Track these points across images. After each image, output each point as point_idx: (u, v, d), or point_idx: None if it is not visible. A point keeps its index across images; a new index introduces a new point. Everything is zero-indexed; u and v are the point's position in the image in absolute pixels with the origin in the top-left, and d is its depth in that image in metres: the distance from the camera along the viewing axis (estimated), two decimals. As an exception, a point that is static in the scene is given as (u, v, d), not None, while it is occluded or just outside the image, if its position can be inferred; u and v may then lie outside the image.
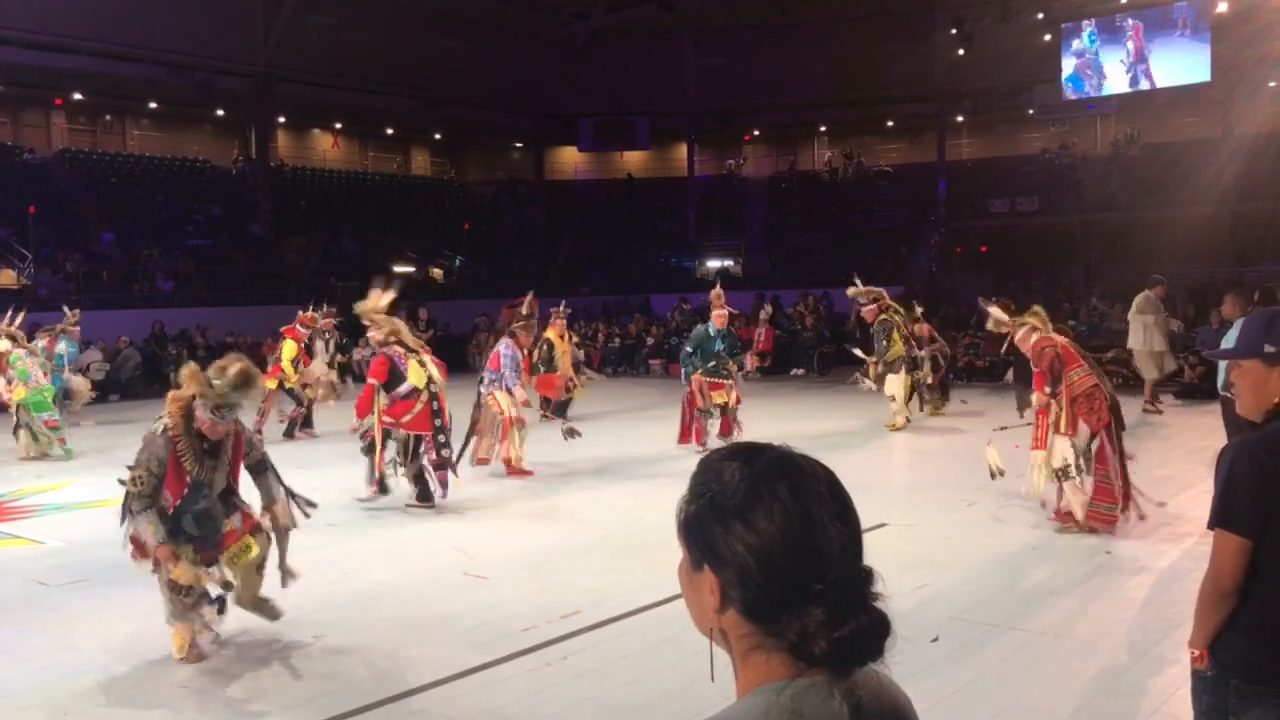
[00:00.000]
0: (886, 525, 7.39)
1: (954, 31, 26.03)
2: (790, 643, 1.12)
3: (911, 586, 5.86)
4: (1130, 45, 26.06)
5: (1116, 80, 26.39)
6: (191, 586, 5.01)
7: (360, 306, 8.72)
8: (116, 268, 22.66)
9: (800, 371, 20.44)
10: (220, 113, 28.93)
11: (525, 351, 10.39)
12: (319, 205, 28.68)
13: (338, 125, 32.43)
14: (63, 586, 6.54)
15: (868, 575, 1.16)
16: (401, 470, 8.52)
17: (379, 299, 8.64)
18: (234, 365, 5.11)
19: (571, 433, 10.30)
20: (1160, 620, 5.29)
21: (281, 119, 29.95)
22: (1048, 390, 7.13)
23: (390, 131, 33.20)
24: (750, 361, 12.22)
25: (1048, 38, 26.91)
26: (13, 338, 12.30)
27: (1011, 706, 4.38)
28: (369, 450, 8.52)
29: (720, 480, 1.18)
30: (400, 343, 8.40)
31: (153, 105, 28.01)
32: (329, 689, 4.73)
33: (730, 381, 10.87)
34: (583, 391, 13.37)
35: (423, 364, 8.30)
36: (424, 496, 8.42)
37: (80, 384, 13.66)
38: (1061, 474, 7.04)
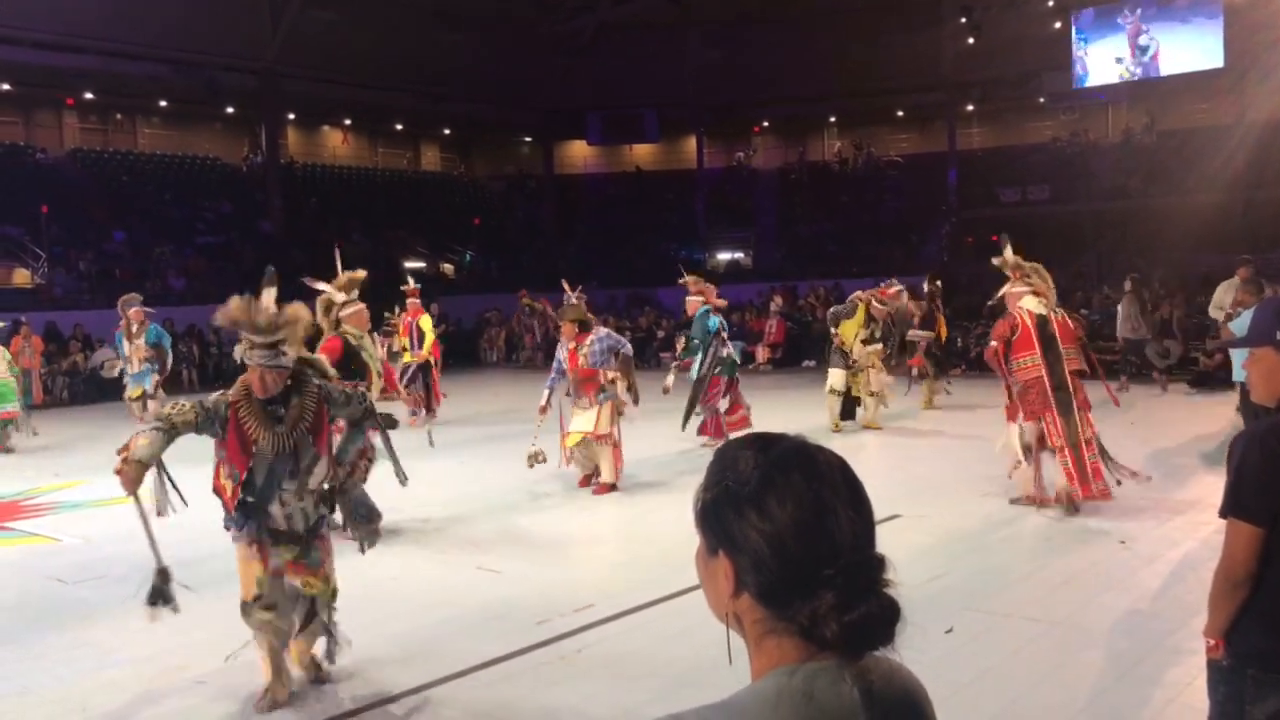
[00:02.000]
0: (899, 516, 7.38)
1: (963, 20, 25.90)
2: (801, 627, 1.14)
3: (925, 577, 5.86)
4: (1138, 31, 25.91)
5: (1126, 67, 26.25)
6: (259, 595, 4.48)
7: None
8: (128, 266, 22.76)
9: (812, 363, 20.40)
10: (230, 111, 28.99)
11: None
12: (329, 202, 28.72)
13: (347, 122, 32.45)
14: (80, 584, 6.58)
15: (879, 562, 1.18)
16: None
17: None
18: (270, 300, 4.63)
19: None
20: (1176, 610, 5.28)
21: (291, 116, 30.00)
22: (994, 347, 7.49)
23: (399, 127, 33.24)
24: (762, 354, 11.96)
25: (1057, 25, 26.75)
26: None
27: (1026, 696, 4.38)
28: None
29: (735, 468, 1.21)
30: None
31: (162, 104, 28.09)
32: (346, 683, 4.75)
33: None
34: None
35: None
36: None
37: None
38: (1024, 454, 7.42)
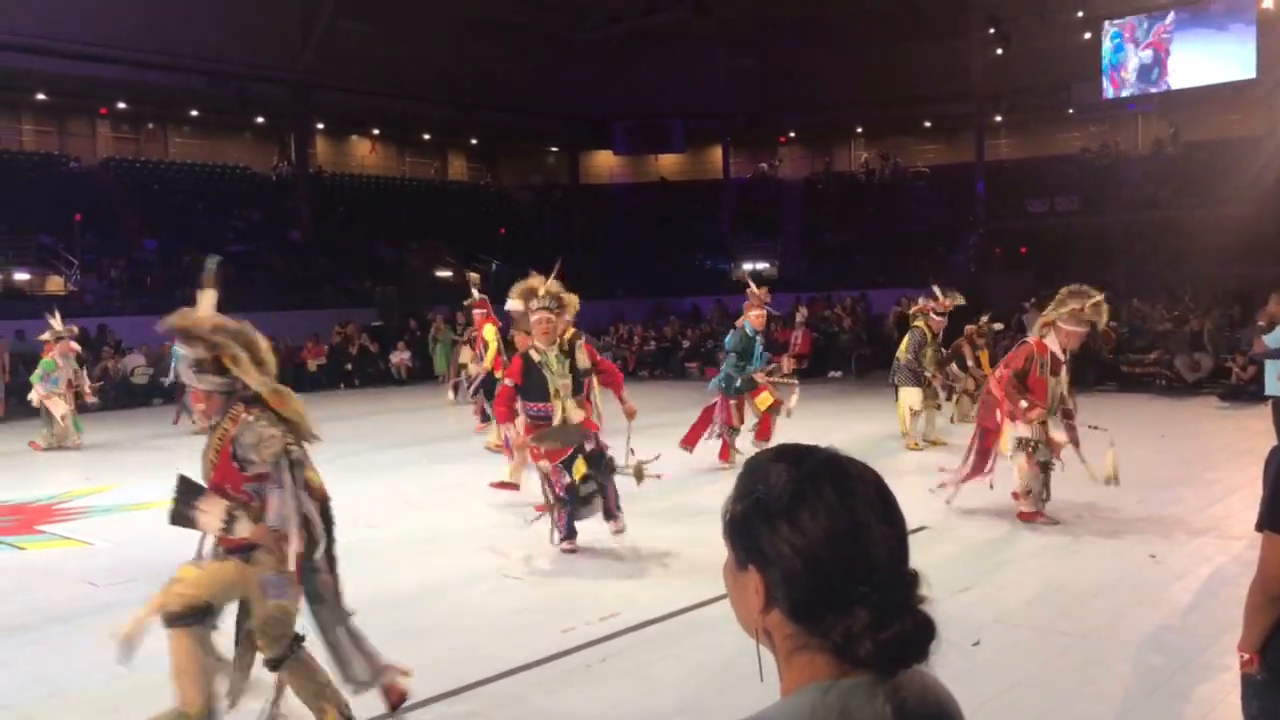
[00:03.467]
0: (927, 528, 7.34)
1: (991, 30, 25.80)
2: (835, 644, 1.13)
3: (953, 589, 5.82)
4: (1169, 41, 25.72)
5: (1157, 77, 26.06)
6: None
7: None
8: (158, 274, 23.03)
9: (838, 374, 20.34)
10: (259, 120, 29.31)
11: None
12: (357, 211, 28.93)
13: (375, 131, 32.71)
14: (111, 587, 6.64)
15: (913, 578, 1.17)
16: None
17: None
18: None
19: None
20: (1208, 625, 5.21)
21: (320, 126, 30.28)
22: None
23: (427, 137, 33.47)
24: (786, 364, 11.72)
25: (1087, 36, 26.59)
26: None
27: (1057, 710, 4.34)
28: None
29: (767, 481, 1.19)
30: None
31: (194, 114, 28.42)
32: (370, 690, 4.77)
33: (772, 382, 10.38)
34: None
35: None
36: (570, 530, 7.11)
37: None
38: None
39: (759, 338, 10.45)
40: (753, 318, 10.35)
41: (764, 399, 10.29)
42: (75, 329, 14.09)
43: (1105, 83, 26.53)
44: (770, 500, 1.17)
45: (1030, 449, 7.43)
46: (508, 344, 11.33)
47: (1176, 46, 25.62)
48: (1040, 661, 4.88)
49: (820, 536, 1.14)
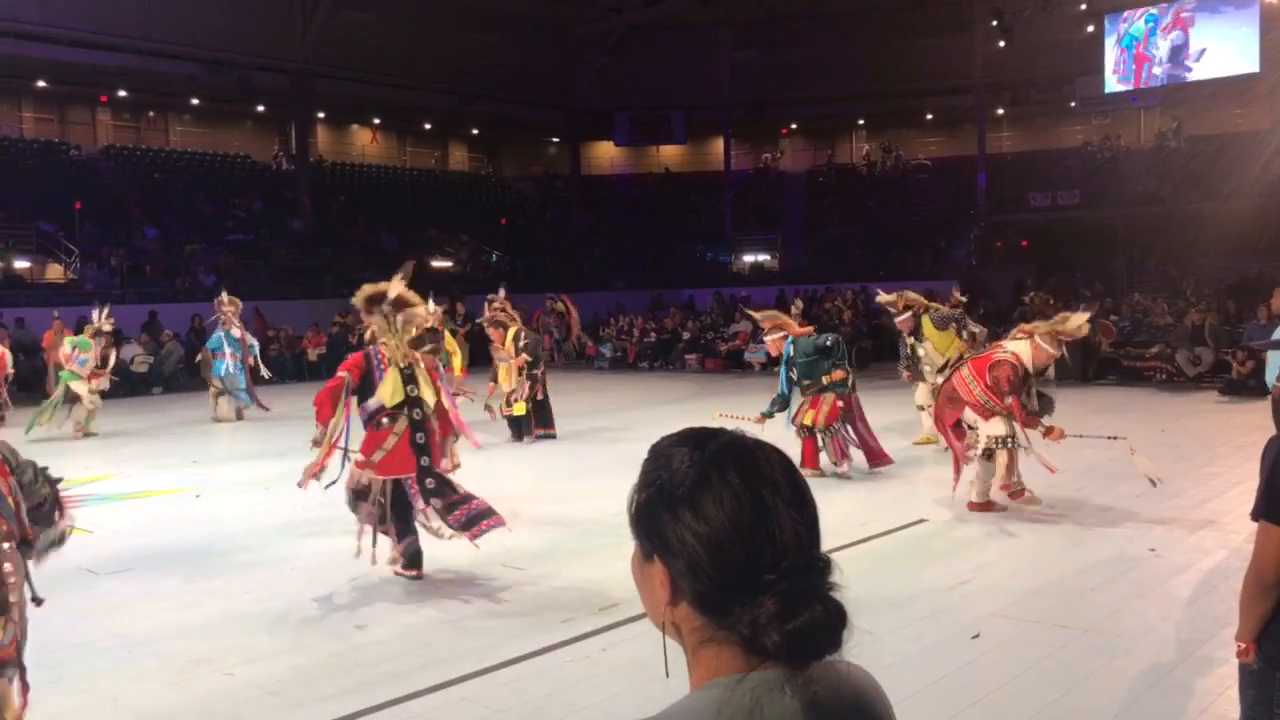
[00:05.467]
0: (926, 521, 7.33)
1: (994, 23, 25.75)
2: (742, 635, 1.08)
3: (952, 583, 5.82)
4: (1173, 35, 25.66)
5: (1159, 72, 26.00)
6: None
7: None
8: (159, 262, 23.01)
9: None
10: (260, 109, 29.27)
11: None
12: (358, 200, 28.93)
13: (376, 121, 32.68)
14: (111, 575, 6.65)
15: (824, 564, 1.11)
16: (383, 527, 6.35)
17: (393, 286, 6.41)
18: None
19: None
20: (1207, 619, 5.21)
21: (321, 115, 30.24)
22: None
23: (428, 127, 33.44)
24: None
25: (1090, 29, 26.54)
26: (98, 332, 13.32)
27: (1055, 704, 4.33)
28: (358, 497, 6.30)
29: (669, 467, 1.14)
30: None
31: (194, 102, 28.41)
32: (372, 677, 4.78)
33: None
34: (520, 408, 11.54)
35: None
36: (413, 562, 6.34)
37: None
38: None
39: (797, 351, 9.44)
40: (772, 345, 9.71)
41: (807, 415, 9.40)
42: (114, 324, 14.15)
43: (1128, 69, 26.25)
44: (673, 487, 1.12)
45: (1009, 446, 7.47)
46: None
47: (1194, 32, 25.47)
48: (1039, 655, 4.88)
49: (724, 523, 1.08)
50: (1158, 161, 27.95)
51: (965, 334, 10.62)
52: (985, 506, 7.61)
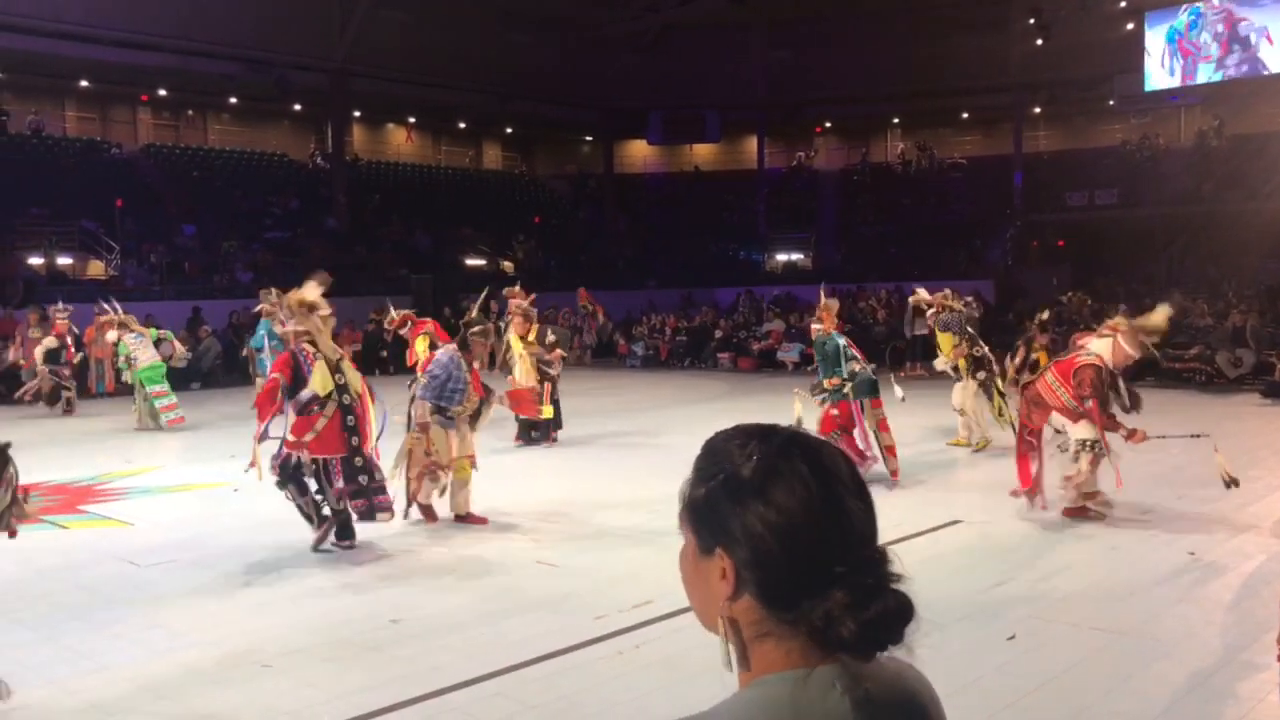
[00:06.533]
0: (961, 522, 7.28)
1: (1031, 21, 25.50)
2: (813, 627, 1.07)
3: (987, 584, 5.78)
4: (1219, 32, 25.28)
5: (1202, 70, 25.64)
6: None
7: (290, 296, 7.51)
8: (197, 259, 23.30)
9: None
10: (297, 108, 29.55)
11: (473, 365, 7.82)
12: (393, 199, 29.12)
13: (411, 120, 32.89)
14: (152, 567, 6.75)
15: (884, 556, 1.11)
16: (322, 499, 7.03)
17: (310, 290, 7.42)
18: None
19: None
20: (1248, 624, 5.14)
21: (357, 114, 30.48)
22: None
23: (462, 126, 33.61)
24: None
25: (1130, 26, 26.22)
26: (123, 324, 13.62)
27: (1093, 707, 4.30)
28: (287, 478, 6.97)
29: (732, 460, 1.14)
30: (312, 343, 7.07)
31: (233, 101, 28.73)
32: (407, 670, 4.82)
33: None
34: (549, 411, 11.15)
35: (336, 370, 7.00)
36: (344, 533, 7.02)
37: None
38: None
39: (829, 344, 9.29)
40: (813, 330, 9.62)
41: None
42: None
43: (1172, 64, 25.83)
44: (738, 479, 1.12)
45: (1093, 449, 7.23)
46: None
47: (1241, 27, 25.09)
48: (1077, 657, 4.84)
49: (798, 512, 1.08)
50: (1198, 160, 27.53)
51: (965, 338, 10.68)
52: (1079, 512, 7.40)
